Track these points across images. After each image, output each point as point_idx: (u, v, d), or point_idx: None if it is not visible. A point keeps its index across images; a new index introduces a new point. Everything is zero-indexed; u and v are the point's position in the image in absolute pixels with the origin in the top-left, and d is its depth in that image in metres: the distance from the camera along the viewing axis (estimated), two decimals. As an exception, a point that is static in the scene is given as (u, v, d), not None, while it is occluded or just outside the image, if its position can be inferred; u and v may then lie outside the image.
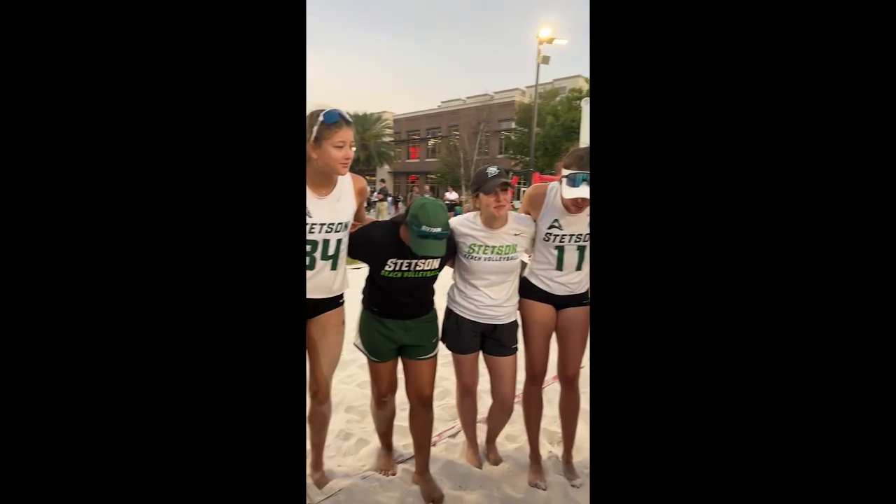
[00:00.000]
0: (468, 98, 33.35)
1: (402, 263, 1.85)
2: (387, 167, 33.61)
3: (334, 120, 1.69)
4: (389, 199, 21.05)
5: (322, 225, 1.79)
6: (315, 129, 1.68)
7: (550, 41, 16.77)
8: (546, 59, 17.00)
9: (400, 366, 2.10)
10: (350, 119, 1.74)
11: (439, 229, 1.71)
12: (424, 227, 1.69)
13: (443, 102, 35.56)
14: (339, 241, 1.85)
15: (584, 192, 1.88)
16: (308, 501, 1.98)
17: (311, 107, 1.75)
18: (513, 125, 26.16)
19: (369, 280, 1.97)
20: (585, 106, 6.98)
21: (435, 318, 2.07)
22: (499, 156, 26.99)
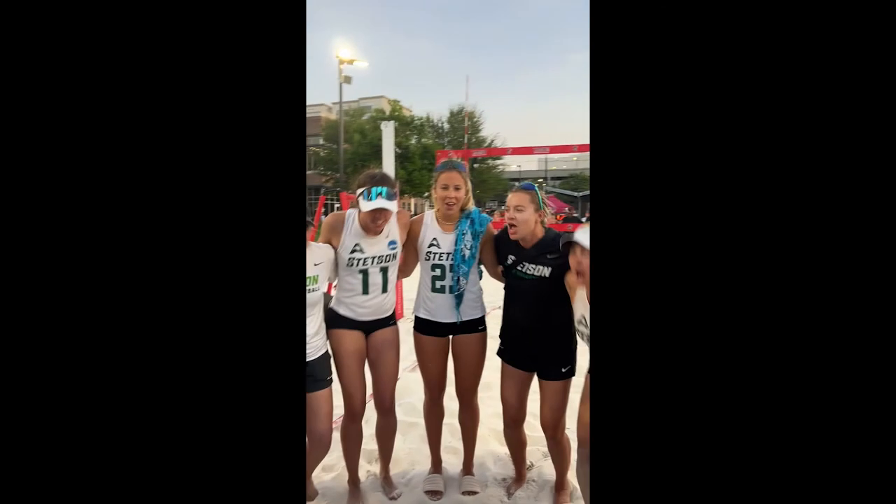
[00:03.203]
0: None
1: None
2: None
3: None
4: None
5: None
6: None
7: (351, 62, 17.92)
8: (348, 80, 18.05)
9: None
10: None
11: None
12: None
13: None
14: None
15: (380, 203, 1.97)
16: None
17: None
18: (321, 140, 26.39)
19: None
20: (386, 129, 7.09)
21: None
22: (309, 171, 26.73)
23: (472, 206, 2.23)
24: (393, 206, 2.00)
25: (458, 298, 2.18)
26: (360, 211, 2.05)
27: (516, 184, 2.28)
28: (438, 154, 5.02)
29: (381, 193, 1.97)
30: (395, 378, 2.24)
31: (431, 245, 2.18)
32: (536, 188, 2.13)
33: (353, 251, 2.08)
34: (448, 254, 2.16)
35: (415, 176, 22.98)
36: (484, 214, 2.24)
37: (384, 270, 2.13)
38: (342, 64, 17.81)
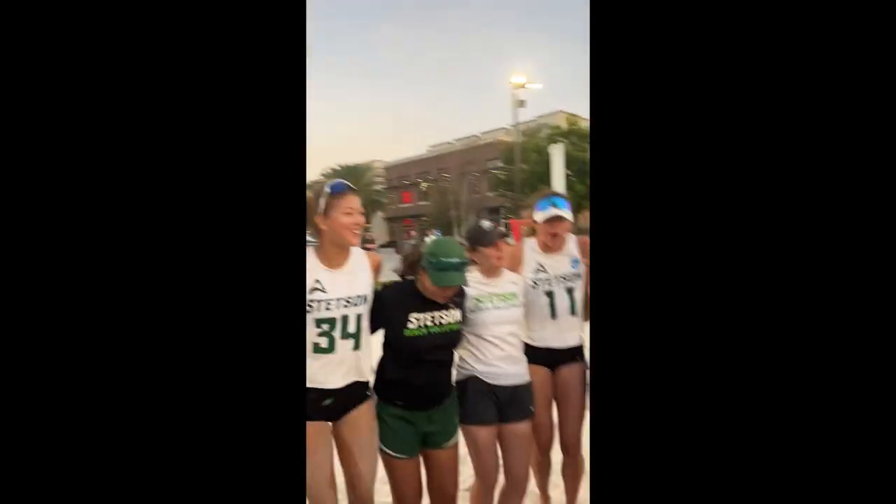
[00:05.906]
0: (456, 140, 34.68)
1: (425, 318, 1.76)
2: (380, 213, 34.53)
3: (340, 189, 1.71)
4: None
5: (339, 299, 1.69)
6: (322, 201, 1.67)
7: (523, 86, 20.19)
8: (522, 103, 19.99)
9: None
10: (354, 188, 1.78)
11: (457, 259, 1.71)
12: (443, 259, 1.69)
13: (431, 147, 36.75)
14: (359, 317, 1.73)
15: (555, 210, 1.98)
16: None
17: (312, 176, 1.77)
18: (499, 164, 26.49)
19: (387, 358, 1.83)
20: (555, 152, 6.66)
21: (455, 397, 1.90)
22: (489, 194, 27.42)
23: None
24: (569, 214, 2.01)
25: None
26: (539, 232, 2.06)
27: None
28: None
29: (554, 204, 1.98)
30: (581, 420, 2.15)
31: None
32: None
33: (536, 271, 2.06)
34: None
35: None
36: None
37: (569, 291, 2.07)
38: (515, 89, 20.04)
